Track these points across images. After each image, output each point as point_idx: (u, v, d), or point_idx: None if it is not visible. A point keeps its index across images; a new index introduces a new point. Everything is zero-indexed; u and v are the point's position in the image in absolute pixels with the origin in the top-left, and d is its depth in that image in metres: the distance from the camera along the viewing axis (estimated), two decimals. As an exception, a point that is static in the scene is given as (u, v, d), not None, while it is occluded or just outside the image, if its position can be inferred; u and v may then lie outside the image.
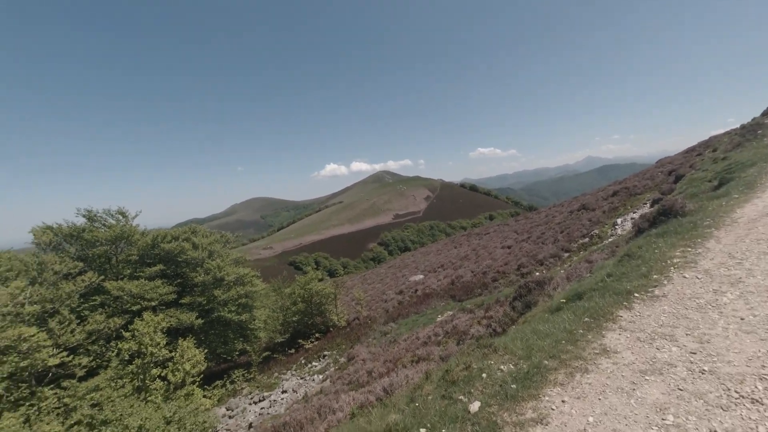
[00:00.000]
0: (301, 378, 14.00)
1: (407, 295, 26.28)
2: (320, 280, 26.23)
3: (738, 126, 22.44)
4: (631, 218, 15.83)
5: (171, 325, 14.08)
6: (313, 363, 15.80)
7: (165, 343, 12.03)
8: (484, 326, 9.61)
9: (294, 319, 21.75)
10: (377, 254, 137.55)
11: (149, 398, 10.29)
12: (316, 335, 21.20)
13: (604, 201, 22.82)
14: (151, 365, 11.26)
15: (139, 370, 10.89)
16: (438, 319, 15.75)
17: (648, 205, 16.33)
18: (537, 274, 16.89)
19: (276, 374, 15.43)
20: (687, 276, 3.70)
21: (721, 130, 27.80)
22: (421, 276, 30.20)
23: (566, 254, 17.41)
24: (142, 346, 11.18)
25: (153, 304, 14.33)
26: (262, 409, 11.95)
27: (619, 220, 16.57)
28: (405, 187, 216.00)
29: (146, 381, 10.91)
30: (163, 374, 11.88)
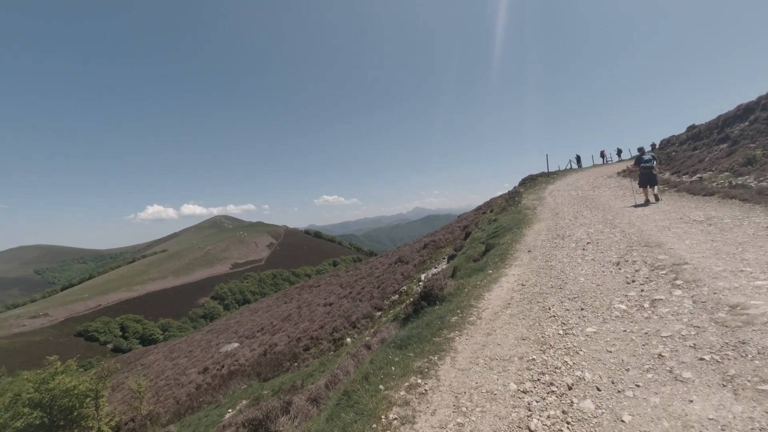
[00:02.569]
0: None
1: (210, 375, 21.16)
2: (83, 368, 18.46)
3: (506, 192, 28.30)
4: (432, 274, 16.46)
5: None
6: None
7: None
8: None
9: (9, 443, 13.90)
10: (210, 310, 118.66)
11: None
12: (56, 460, 13.93)
13: (416, 253, 24.33)
14: None
15: None
16: (226, 417, 12.20)
17: (445, 260, 17.47)
18: (348, 340, 15.41)
19: None
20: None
21: (499, 193, 35.28)
22: (236, 344, 25.31)
23: (378, 313, 16.74)
24: None
25: None
26: None
27: (423, 276, 17.07)
28: (246, 234, 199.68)
29: None
30: None
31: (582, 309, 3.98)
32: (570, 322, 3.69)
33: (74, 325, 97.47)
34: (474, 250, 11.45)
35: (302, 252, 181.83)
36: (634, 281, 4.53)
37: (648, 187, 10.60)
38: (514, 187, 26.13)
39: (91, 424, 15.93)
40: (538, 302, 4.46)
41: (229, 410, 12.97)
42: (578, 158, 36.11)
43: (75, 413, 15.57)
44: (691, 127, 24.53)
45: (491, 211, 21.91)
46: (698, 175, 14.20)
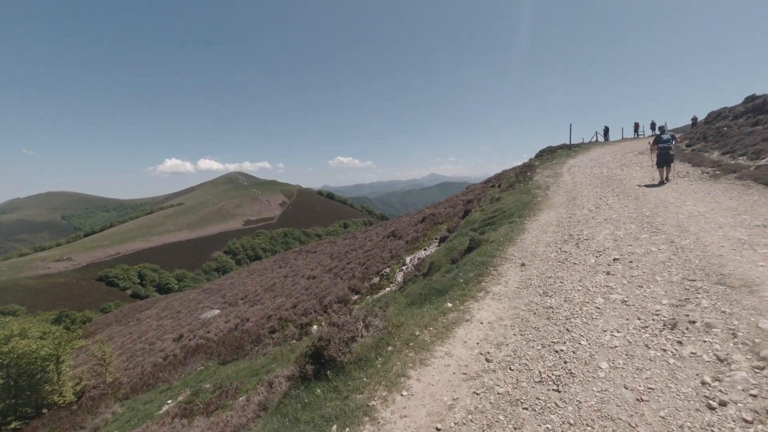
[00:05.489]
0: None
1: (181, 344, 20.06)
2: (42, 335, 17.38)
3: (520, 163, 25.02)
4: (418, 258, 14.13)
5: None
6: None
7: None
8: None
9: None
10: (222, 264, 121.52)
11: None
12: (13, 425, 13.25)
13: (411, 228, 21.91)
14: None
15: None
16: (163, 409, 10.80)
17: (437, 242, 15.08)
18: (314, 327, 13.61)
19: None
20: None
21: (518, 163, 31.43)
22: (217, 311, 24.14)
23: (355, 296, 14.73)
24: None
25: None
26: None
27: (407, 259, 14.76)
28: (259, 192, 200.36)
29: None
30: None
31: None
32: None
33: (95, 270, 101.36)
34: (460, 241, 8.94)
35: (314, 212, 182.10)
36: (723, 403, 2.02)
37: (664, 167, 10.56)
38: (530, 160, 22.85)
39: (51, 391, 15.08)
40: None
41: (169, 401, 11.54)
42: (606, 130, 31.86)
43: (38, 376, 14.68)
44: (751, 98, 20.36)
45: (498, 186, 18.99)
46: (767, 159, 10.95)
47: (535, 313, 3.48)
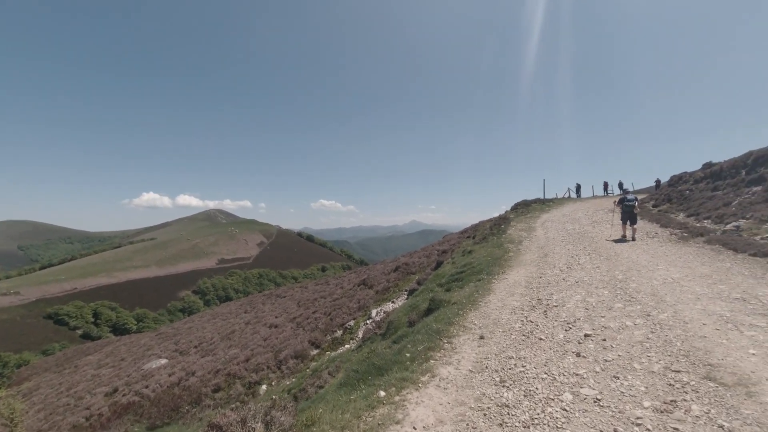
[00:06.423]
0: None
1: (112, 401, 17.61)
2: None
3: (497, 216, 25.08)
4: (384, 311, 13.13)
5: None
6: None
7: None
8: None
9: None
10: (189, 304, 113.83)
11: None
12: None
13: (384, 276, 20.97)
14: None
15: None
16: None
17: (406, 295, 14.20)
18: (263, 387, 12.11)
19: None
20: None
21: (496, 214, 31.59)
22: (164, 361, 21.63)
23: (315, 351, 13.37)
24: None
25: None
26: None
27: (374, 312, 13.72)
28: (237, 230, 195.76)
29: None
30: None
31: None
32: None
33: (45, 307, 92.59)
34: (423, 298, 8.15)
35: (293, 254, 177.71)
36: None
37: (628, 224, 11.18)
38: (505, 212, 22.90)
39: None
40: None
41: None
42: (578, 187, 33.05)
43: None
44: (708, 165, 21.35)
45: (473, 238, 18.63)
46: (733, 224, 11.00)
47: (485, 415, 2.69)
